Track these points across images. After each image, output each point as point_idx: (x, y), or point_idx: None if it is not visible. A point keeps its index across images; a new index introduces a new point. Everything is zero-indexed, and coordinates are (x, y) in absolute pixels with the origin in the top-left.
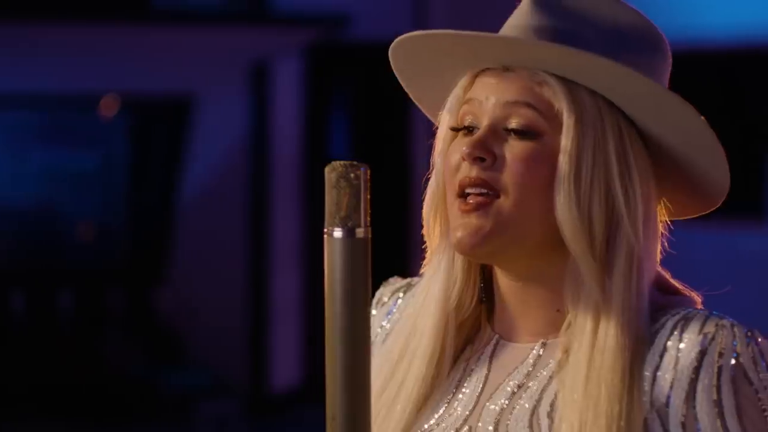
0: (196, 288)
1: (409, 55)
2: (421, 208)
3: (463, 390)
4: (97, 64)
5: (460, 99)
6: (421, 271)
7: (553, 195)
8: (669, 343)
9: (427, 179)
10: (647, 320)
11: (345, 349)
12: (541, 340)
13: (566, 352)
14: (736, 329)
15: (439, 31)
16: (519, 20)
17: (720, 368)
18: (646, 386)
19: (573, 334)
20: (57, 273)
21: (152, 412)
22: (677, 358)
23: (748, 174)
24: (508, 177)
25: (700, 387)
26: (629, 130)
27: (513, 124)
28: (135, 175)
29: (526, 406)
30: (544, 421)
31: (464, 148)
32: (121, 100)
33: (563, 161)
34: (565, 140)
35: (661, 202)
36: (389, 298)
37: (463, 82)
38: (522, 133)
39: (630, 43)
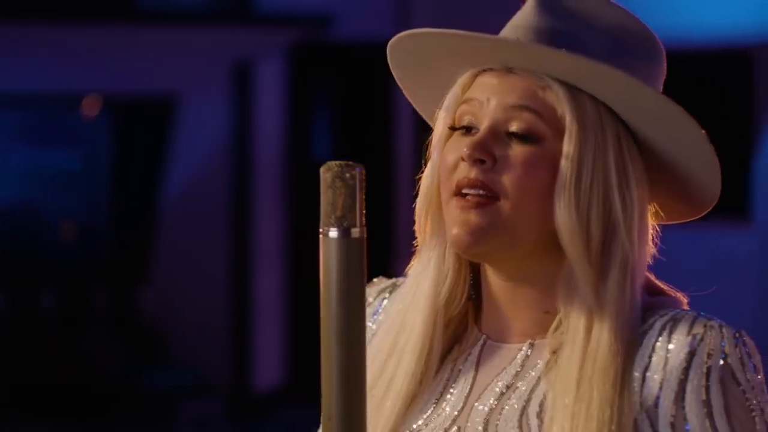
0: (179, 288)
1: (409, 52)
2: (406, 207)
3: (451, 390)
4: (81, 63)
5: (459, 98)
6: (406, 271)
7: (551, 199)
8: (658, 344)
9: (419, 177)
10: (638, 323)
11: (341, 349)
12: (529, 341)
13: (554, 353)
14: (724, 330)
15: (443, 31)
16: (523, 20)
17: (709, 369)
18: (636, 387)
19: (564, 337)
20: (40, 272)
21: (135, 412)
22: (666, 359)
23: (733, 175)
24: (507, 180)
25: (689, 387)
26: (626, 137)
27: (514, 127)
28: (118, 174)
29: (516, 406)
30: (534, 422)
31: (465, 149)
32: (104, 100)
33: (565, 167)
34: (567, 146)
35: (652, 206)
36: (375, 299)
37: (462, 80)
38: (523, 137)
39: (630, 49)
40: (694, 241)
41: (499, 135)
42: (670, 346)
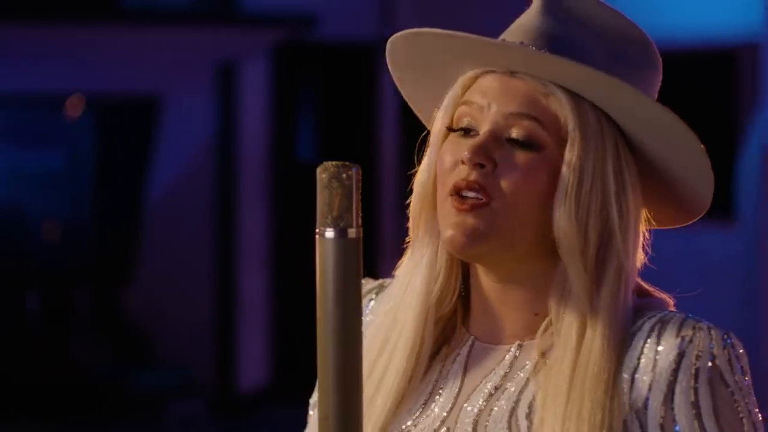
0: (164, 288)
1: (411, 50)
2: (390, 207)
3: (440, 391)
4: (64, 63)
5: (458, 98)
6: (395, 270)
7: (549, 205)
8: (646, 346)
9: (413, 173)
10: (629, 325)
11: (337, 349)
12: (517, 342)
13: (543, 355)
14: (713, 332)
15: (452, 33)
16: (529, 22)
17: (697, 370)
18: (625, 388)
19: (555, 339)
20: (24, 273)
21: (120, 412)
22: (655, 361)
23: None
24: (506, 184)
25: (678, 389)
26: (623, 145)
27: (514, 134)
28: (101, 174)
29: (505, 407)
30: (523, 423)
31: (466, 153)
32: (88, 100)
33: (566, 174)
34: (569, 154)
35: (643, 212)
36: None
37: (463, 80)
38: (523, 144)
39: (630, 56)
40: (679, 241)
41: (499, 140)
42: (659, 348)
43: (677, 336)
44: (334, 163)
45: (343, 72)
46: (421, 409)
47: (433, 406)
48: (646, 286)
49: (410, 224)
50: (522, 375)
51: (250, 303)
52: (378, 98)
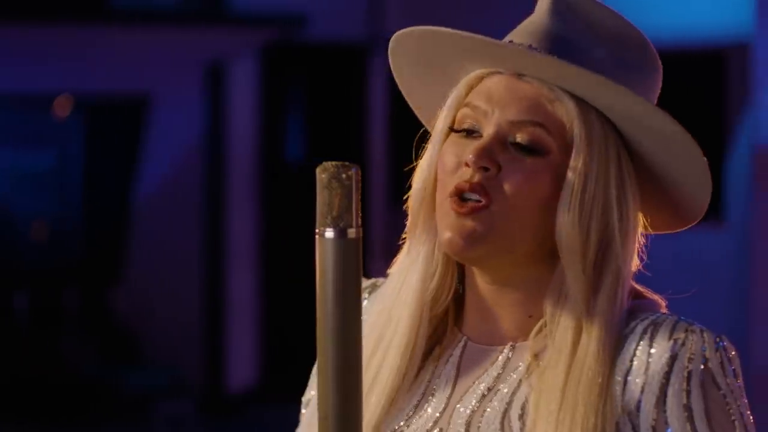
0: (152, 288)
1: (415, 48)
2: (379, 207)
3: (433, 391)
4: (53, 63)
5: (462, 98)
6: (389, 269)
7: (551, 209)
8: (639, 349)
9: (411, 168)
10: (623, 328)
11: (337, 349)
12: (510, 343)
13: (536, 357)
14: (705, 335)
15: (461, 33)
16: (537, 24)
17: (690, 373)
18: (617, 390)
19: (549, 342)
20: (12, 273)
21: (108, 412)
22: (648, 363)
23: None
24: (509, 188)
25: (670, 392)
26: (624, 151)
27: (519, 138)
28: (90, 174)
29: (497, 408)
30: (516, 424)
31: (470, 156)
32: (76, 100)
33: (571, 179)
34: (575, 160)
35: (640, 218)
36: None
37: (468, 80)
38: (528, 149)
39: (634, 61)
40: (669, 242)
41: (504, 143)
42: (652, 351)
43: (670, 339)
44: (333, 163)
45: (332, 72)
46: (413, 410)
47: (425, 406)
48: (638, 287)
49: (408, 221)
50: (515, 376)
51: (238, 303)
52: (367, 98)
